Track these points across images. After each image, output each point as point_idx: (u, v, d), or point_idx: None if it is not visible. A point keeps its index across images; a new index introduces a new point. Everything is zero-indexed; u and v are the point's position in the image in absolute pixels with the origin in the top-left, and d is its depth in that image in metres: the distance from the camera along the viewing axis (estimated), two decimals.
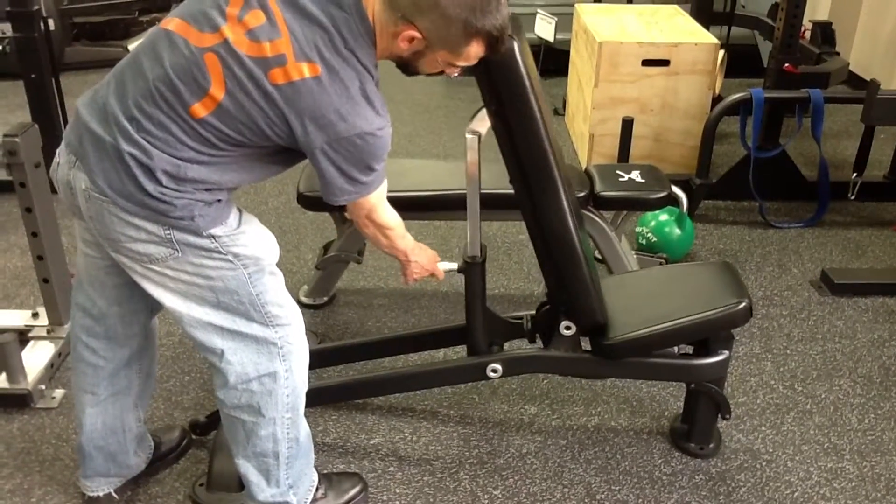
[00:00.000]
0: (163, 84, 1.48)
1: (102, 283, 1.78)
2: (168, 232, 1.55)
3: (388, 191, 1.72)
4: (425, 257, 1.97)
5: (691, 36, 3.86)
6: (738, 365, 2.62)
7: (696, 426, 2.23)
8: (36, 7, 3.32)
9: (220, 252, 1.60)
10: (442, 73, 1.66)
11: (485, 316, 2.14)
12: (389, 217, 1.76)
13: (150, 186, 1.50)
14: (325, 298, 2.93)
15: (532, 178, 1.92)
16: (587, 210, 2.74)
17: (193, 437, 2.24)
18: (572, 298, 2.05)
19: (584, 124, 4.03)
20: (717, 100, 3.80)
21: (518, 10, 5.73)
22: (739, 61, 4.95)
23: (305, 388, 1.83)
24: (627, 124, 3.39)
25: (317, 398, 2.32)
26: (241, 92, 1.47)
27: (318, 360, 2.51)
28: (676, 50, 3.73)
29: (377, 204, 1.69)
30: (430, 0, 1.50)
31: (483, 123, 1.92)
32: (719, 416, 2.20)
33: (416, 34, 1.53)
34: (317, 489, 1.98)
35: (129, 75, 1.54)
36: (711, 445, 2.25)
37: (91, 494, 2.03)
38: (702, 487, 2.14)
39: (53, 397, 2.41)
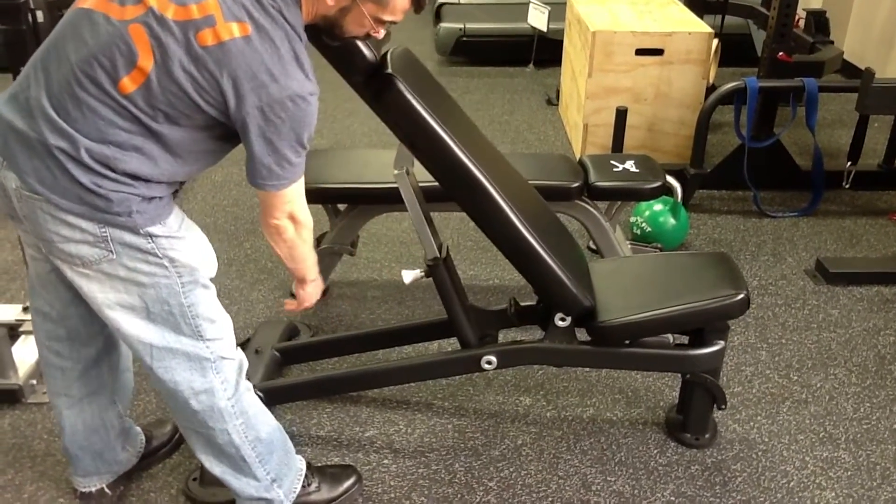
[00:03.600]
0: (87, 65, 1.41)
1: (55, 284, 1.74)
2: (104, 230, 1.50)
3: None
4: (320, 284, 1.87)
5: (685, 25, 3.84)
6: (733, 354, 2.61)
7: (692, 416, 2.23)
8: None
9: (155, 255, 1.55)
10: (368, 35, 1.63)
11: (466, 311, 2.13)
12: (308, 216, 1.65)
13: (84, 179, 1.45)
14: None
15: (463, 197, 1.94)
16: (582, 200, 2.73)
17: None
18: (548, 290, 2.04)
19: (578, 114, 4.01)
20: (710, 89, 3.79)
21: None
22: (733, 50, 4.95)
23: (249, 390, 1.80)
24: (621, 114, 3.37)
25: (311, 391, 2.31)
26: (169, 59, 1.40)
27: (312, 353, 2.51)
28: (670, 39, 3.71)
29: (300, 197, 1.60)
30: None
31: (407, 158, 1.96)
32: (715, 406, 2.19)
33: None
34: (310, 482, 1.97)
35: (51, 63, 1.46)
36: (707, 435, 2.25)
37: (83, 490, 2.02)
38: (697, 478, 2.13)
39: (45, 392, 2.38)
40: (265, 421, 1.83)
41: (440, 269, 2.05)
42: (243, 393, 1.77)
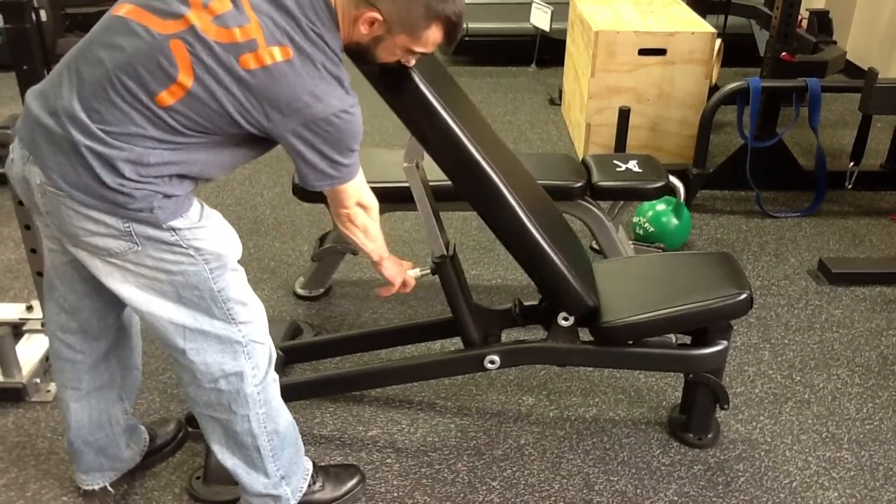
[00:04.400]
0: (123, 73, 1.43)
1: (70, 276, 1.75)
2: (127, 225, 1.51)
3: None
4: (393, 257, 1.97)
5: (688, 25, 3.84)
6: (735, 355, 2.61)
7: (695, 416, 2.23)
8: None
9: (180, 246, 1.57)
10: (398, 64, 1.66)
11: (471, 309, 2.13)
12: (374, 199, 1.76)
13: (108, 178, 1.46)
14: (322, 290, 2.92)
15: (472, 192, 1.94)
16: (584, 200, 2.73)
17: (189, 429, 2.22)
18: (553, 289, 2.04)
19: (581, 114, 4.01)
20: (713, 89, 3.79)
21: None
22: (736, 50, 4.94)
23: (276, 380, 1.81)
24: (624, 114, 3.37)
25: (314, 390, 2.32)
26: (211, 79, 1.43)
27: (315, 352, 2.51)
28: (673, 39, 3.71)
29: (364, 187, 1.71)
30: None
31: (418, 151, 1.97)
32: (717, 406, 2.19)
33: (378, 16, 1.53)
34: (315, 481, 1.97)
35: (83, 66, 1.48)
36: (710, 435, 2.25)
37: (86, 488, 2.02)
38: (700, 477, 2.13)
39: (48, 391, 2.39)
40: (284, 415, 1.84)
41: (447, 267, 2.05)
42: (270, 383, 1.78)
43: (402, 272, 1.99)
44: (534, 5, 5.20)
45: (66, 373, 1.87)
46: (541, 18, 5.15)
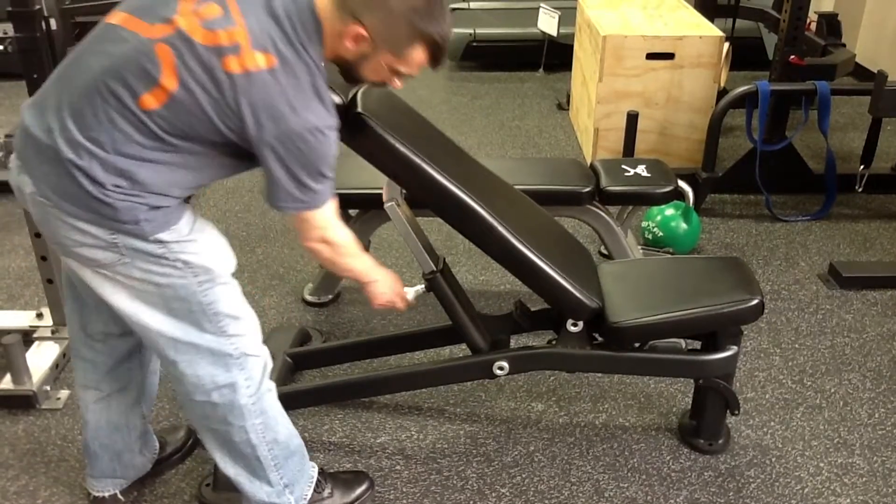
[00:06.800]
0: (110, 77, 1.43)
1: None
2: (114, 236, 1.51)
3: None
4: (387, 277, 1.91)
5: (696, 29, 3.84)
6: (746, 360, 2.60)
7: (705, 422, 2.22)
8: (37, 7, 3.30)
9: (167, 258, 1.56)
10: (384, 84, 1.65)
11: (473, 318, 2.13)
12: (343, 235, 1.69)
13: (91, 188, 1.46)
14: (330, 296, 2.92)
15: (453, 219, 1.97)
16: (593, 205, 2.73)
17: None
18: (553, 298, 2.05)
19: (589, 119, 4.01)
20: (722, 93, 3.78)
21: (522, 4, 5.73)
22: (744, 54, 4.93)
23: (272, 389, 1.79)
24: (632, 118, 3.37)
25: (322, 397, 2.32)
26: (193, 81, 1.42)
27: (323, 358, 2.51)
28: (681, 43, 3.70)
29: (331, 221, 1.64)
30: None
31: (394, 189, 1.99)
32: (728, 411, 2.18)
33: (363, 32, 1.52)
34: (323, 488, 1.97)
35: (74, 74, 1.48)
36: (720, 441, 2.24)
37: (97, 494, 2.02)
38: (711, 484, 2.12)
39: (58, 398, 2.40)
40: (284, 424, 1.83)
41: (438, 281, 2.06)
42: (265, 393, 1.77)
43: (395, 293, 1.93)
44: (541, 10, 5.20)
45: (88, 373, 1.88)
46: (548, 23, 5.15)
